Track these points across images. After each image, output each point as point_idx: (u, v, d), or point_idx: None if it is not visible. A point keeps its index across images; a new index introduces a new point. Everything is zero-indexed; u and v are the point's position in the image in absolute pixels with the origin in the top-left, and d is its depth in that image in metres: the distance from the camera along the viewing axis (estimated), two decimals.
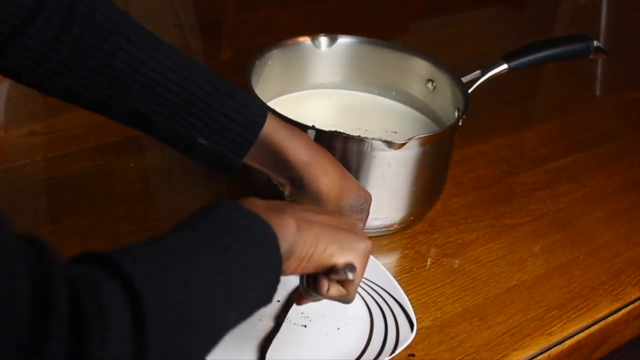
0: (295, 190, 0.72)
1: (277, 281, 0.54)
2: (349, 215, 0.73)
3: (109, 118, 0.68)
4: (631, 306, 0.85)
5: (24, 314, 0.37)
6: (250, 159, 0.70)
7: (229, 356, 0.67)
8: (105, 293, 0.41)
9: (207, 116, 0.66)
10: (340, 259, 0.59)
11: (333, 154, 0.79)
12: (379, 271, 0.79)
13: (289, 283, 0.75)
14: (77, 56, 0.63)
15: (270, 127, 0.69)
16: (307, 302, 0.67)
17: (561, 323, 0.80)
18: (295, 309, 0.73)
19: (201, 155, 0.68)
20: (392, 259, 0.86)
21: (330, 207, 0.72)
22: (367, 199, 0.75)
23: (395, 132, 0.94)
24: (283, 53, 0.95)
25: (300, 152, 0.70)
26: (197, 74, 0.67)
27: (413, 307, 0.75)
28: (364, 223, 0.76)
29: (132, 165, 0.95)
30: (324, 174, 0.71)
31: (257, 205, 0.55)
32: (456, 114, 0.89)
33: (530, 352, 0.76)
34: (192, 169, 0.96)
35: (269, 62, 0.93)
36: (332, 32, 0.98)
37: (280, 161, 0.70)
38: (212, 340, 0.49)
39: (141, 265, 0.44)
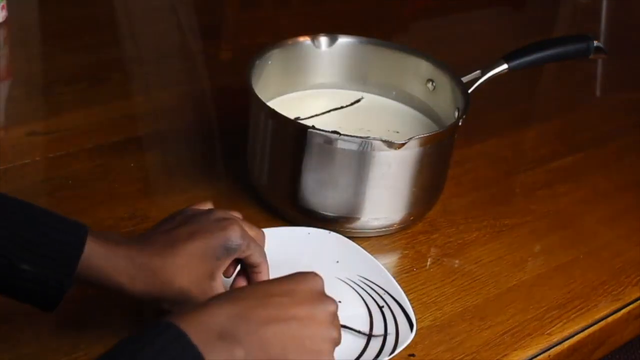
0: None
1: None
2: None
3: None
4: (631, 306, 0.85)
5: None
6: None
7: None
8: None
9: (24, 239, 0.60)
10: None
11: (333, 154, 0.80)
12: (379, 271, 0.79)
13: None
14: None
15: (88, 246, 0.62)
16: None
17: (561, 323, 0.80)
18: None
19: (25, 286, 0.61)
20: (392, 259, 0.86)
21: (202, 282, 0.64)
22: (227, 239, 0.65)
23: (397, 132, 0.94)
24: (283, 53, 0.95)
25: (119, 271, 0.63)
26: (4, 201, 0.62)
27: (413, 307, 0.75)
28: (262, 254, 0.68)
29: (132, 165, 0.95)
30: (165, 269, 0.63)
31: (209, 329, 0.51)
32: (456, 114, 0.89)
33: (530, 352, 0.76)
34: (192, 169, 0.96)
35: (269, 62, 0.93)
36: (332, 32, 0.98)
37: (109, 287, 0.63)
38: None
39: None
